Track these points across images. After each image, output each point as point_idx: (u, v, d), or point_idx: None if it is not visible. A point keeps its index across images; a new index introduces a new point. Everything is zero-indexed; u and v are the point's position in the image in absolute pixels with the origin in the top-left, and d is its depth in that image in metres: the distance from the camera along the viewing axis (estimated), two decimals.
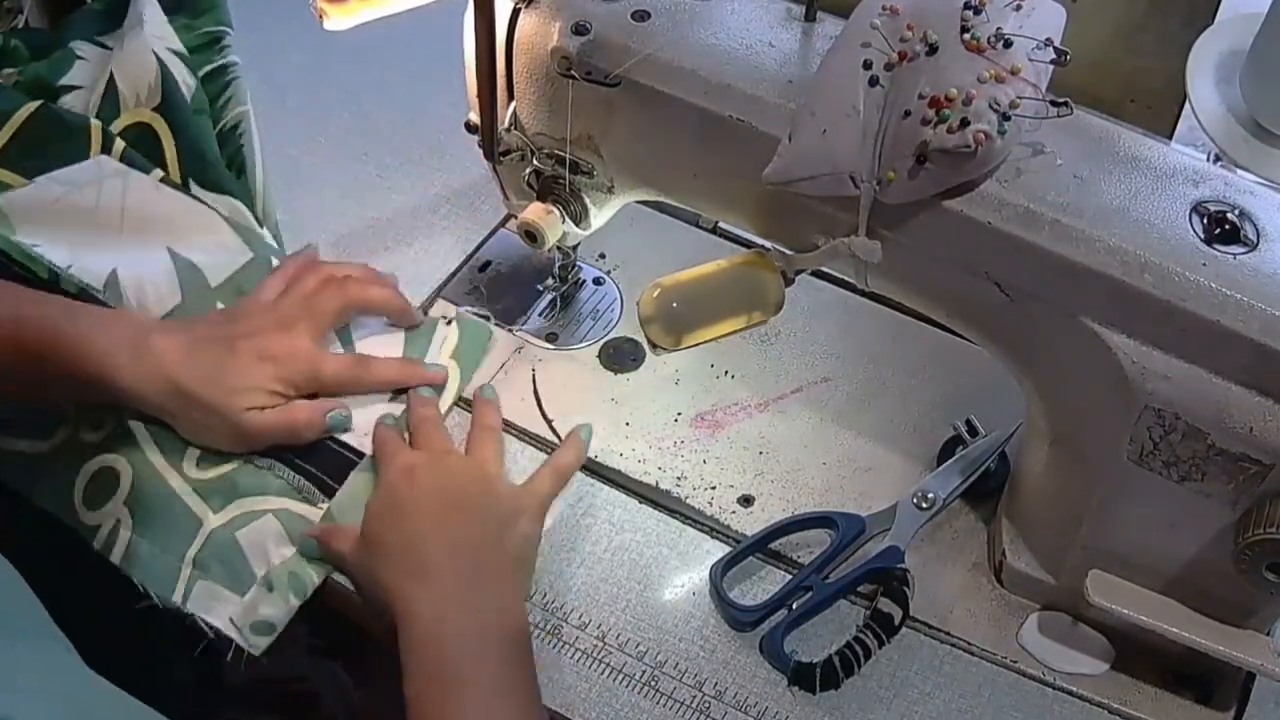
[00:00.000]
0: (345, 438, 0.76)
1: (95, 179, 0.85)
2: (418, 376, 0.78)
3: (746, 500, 0.75)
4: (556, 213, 0.74)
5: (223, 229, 0.84)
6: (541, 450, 0.78)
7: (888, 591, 0.69)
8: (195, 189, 0.86)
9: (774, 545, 0.72)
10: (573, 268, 0.84)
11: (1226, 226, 0.56)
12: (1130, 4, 0.76)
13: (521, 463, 0.77)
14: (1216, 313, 0.54)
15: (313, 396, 0.75)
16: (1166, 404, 0.56)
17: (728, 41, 0.64)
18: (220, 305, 0.81)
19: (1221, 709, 0.66)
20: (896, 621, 0.68)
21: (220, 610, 0.70)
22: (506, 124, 0.71)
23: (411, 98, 0.99)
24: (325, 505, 0.73)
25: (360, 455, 0.75)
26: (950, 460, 0.74)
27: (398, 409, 0.77)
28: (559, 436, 0.78)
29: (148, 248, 0.82)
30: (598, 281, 0.87)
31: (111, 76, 0.90)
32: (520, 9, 0.66)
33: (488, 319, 0.83)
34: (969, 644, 0.69)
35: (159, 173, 0.86)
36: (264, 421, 0.73)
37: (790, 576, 0.71)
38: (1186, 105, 0.74)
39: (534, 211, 0.74)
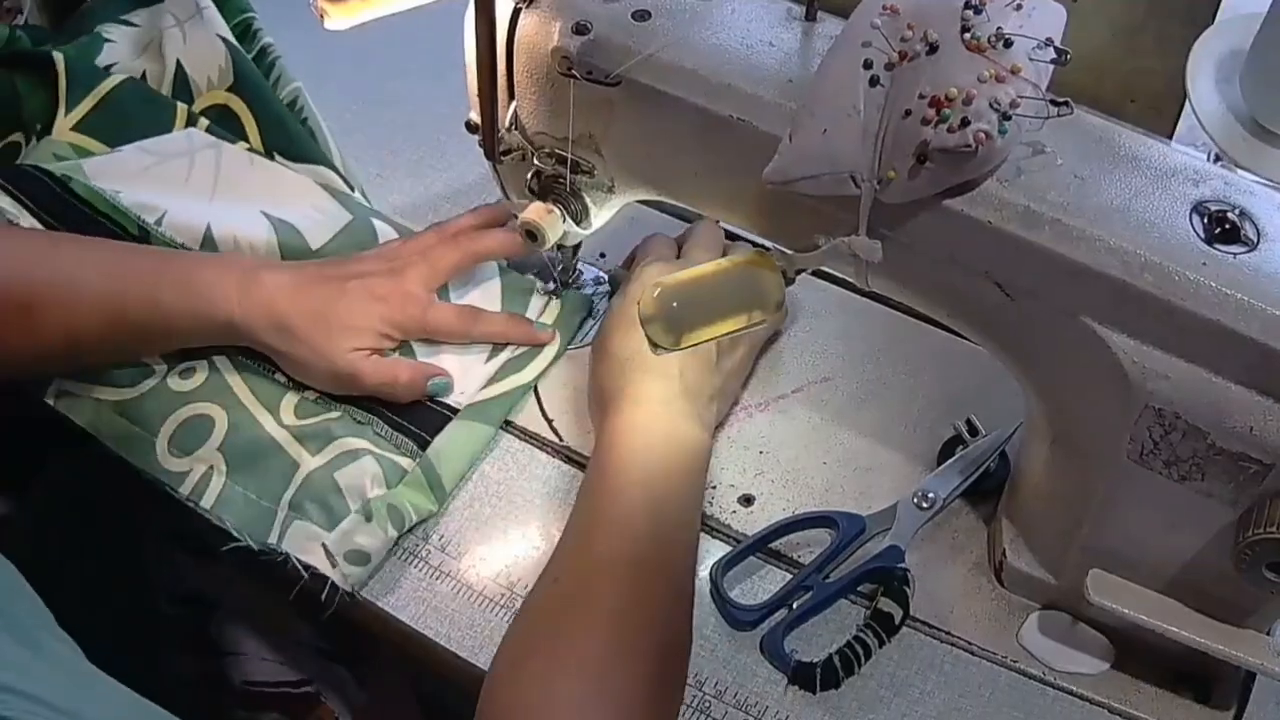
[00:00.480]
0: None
1: (186, 150, 0.86)
2: (525, 333, 0.80)
3: (746, 500, 0.75)
4: (557, 212, 0.74)
5: (318, 193, 0.85)
6: (541, 450, 0.78)
7: (888, 591, 0.69)
8: (281, 160, 0.88)
9: (774, 545, 0.72)
10: (572, 269, 0.84)
11: (1226, 226, 0.56)
12: (1130, 4, 0.76)
13: (521, 462, 0.77)
14: (1217, 312, 0.54)
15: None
16: (1166, 403, 0.56)
17: (728, 41, 0.64)
18: None
19: (1221, 708, 0.66)
20: (897, 621, 0.68)
21: (315, 549, 0.70)
22: (507, 124, 0.71)
23: (411, 98, 0.99)
24: (420, 457, 0.74)
25: (455, 411, 0.77)
26: (950, 460, 0.74)
27: (494, 368, 0.79)
28: (559, 436, 0.78)
29: (242, 211, 0.83)
30: (598, 281, 0.87)
31: (180, 65, 0.90)
32: (520, 9, 0.66)
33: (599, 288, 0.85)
34: (969, 643, 0.69)
35: (245, 144, 0.87)
36: (366, 368, 0.74)
37: (790, 576, 0.71)
38: (1186, 105, 0.74)
39: (534, 211, 0.74)
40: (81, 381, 0.78)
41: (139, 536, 0.90)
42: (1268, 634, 0.63)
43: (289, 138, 0.89)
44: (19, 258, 0.72)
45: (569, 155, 0.71)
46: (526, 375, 0.80)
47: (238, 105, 0.90)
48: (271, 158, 0.88)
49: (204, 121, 0.88)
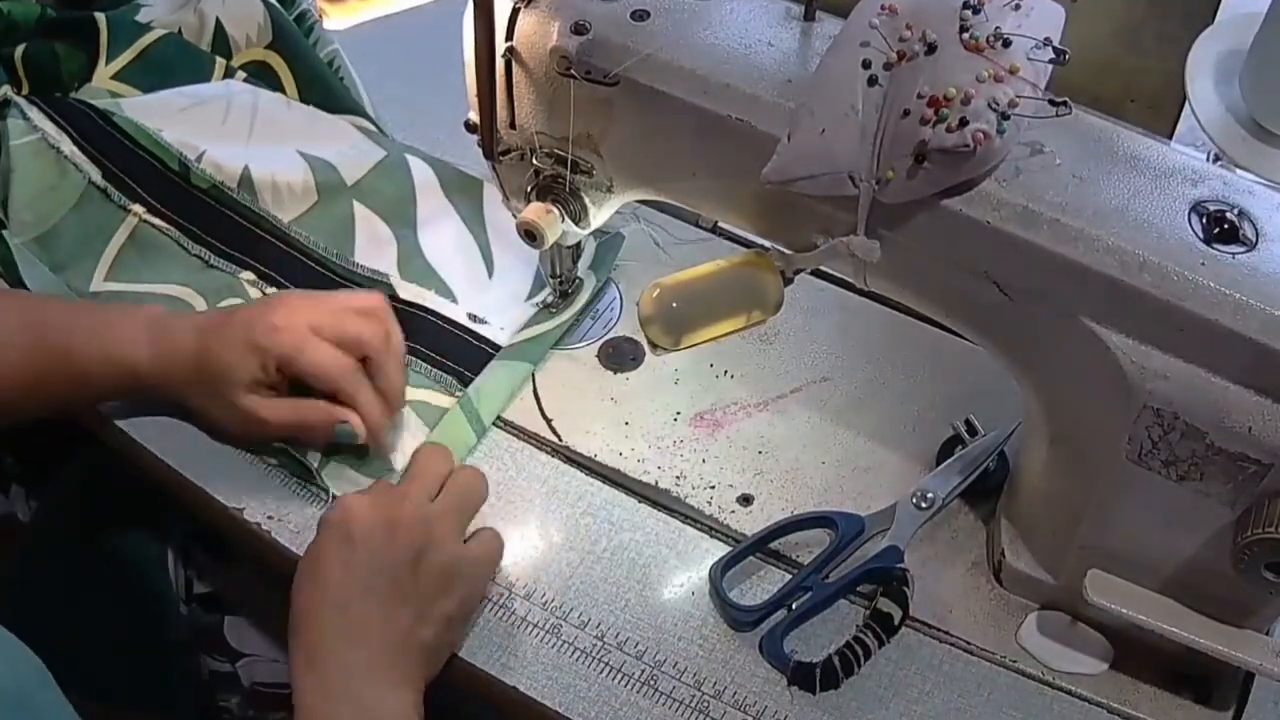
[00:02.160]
0: (484, 331, 0.81)
1: (224, 95, 0.88)
2: (378, 432, 0.74)
3: (746, 500, 0.75)
4: (556, 212, 0.74)
5: (354, 133, 0.87)
6: (541, 450, 0.78)
7: (887, 591, 0.69)
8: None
9: (774, 545, 0.72)
10: (572, 270, 0.84)
11: (1225, 226, 0.56)
12: (1130, 4, 0.76)
13: (521, 461, 0.77)
14: (1215, 312, 0.54)
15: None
16: (1165, 403, 0.56)
17: (727, 41, 0.64)
18: (357, 205, 0.84)
19: (1221, 709, 0.66)
20: (896, 621, 0.68)
21: (351, 489, 0.73)
22: (506, 122, 0.71)
23: (411, 98, 0.99)
24: (462, 394, 0.77)
25: (497, 348, 0.80)
26: (949, 460, 0.74)
27: (531, 308, 0.81)
28: (558, 436, 0.78)
29: (279, 151, 0.85)
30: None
31: (219, 22, 0.92)
32: (520, 9, 0.66)
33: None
34: (968, 643, 0.69)
35: (283, 95, 0.90)
36: (269, 411, 0.72)
37: (790, 576, 0.71)
38: (1186, 105, 0.74)
39: (533, 211, 0.74)
40: None
41: (157, 536, 0.90)
42: (1267, 634, 0.63)
43: (326, 92, 0.90)
44: None
45: (568, 155, 0.71)
46: (565, 315, 0.82)
47: (276, 62, 0.91)
48: None
49: (241, 75, 0.90)
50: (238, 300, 0.82)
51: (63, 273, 0.82)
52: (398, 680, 0.63)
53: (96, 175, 0.84)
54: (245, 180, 0.83)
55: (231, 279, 0.83)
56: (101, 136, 0.85)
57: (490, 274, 0.86)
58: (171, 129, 0.85)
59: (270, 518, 0.74)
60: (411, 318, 0.81)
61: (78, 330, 0.72)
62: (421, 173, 0.86)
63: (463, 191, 0.88)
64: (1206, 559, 0.60)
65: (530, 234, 0.74)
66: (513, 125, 0.71)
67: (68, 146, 0.84)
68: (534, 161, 0.73)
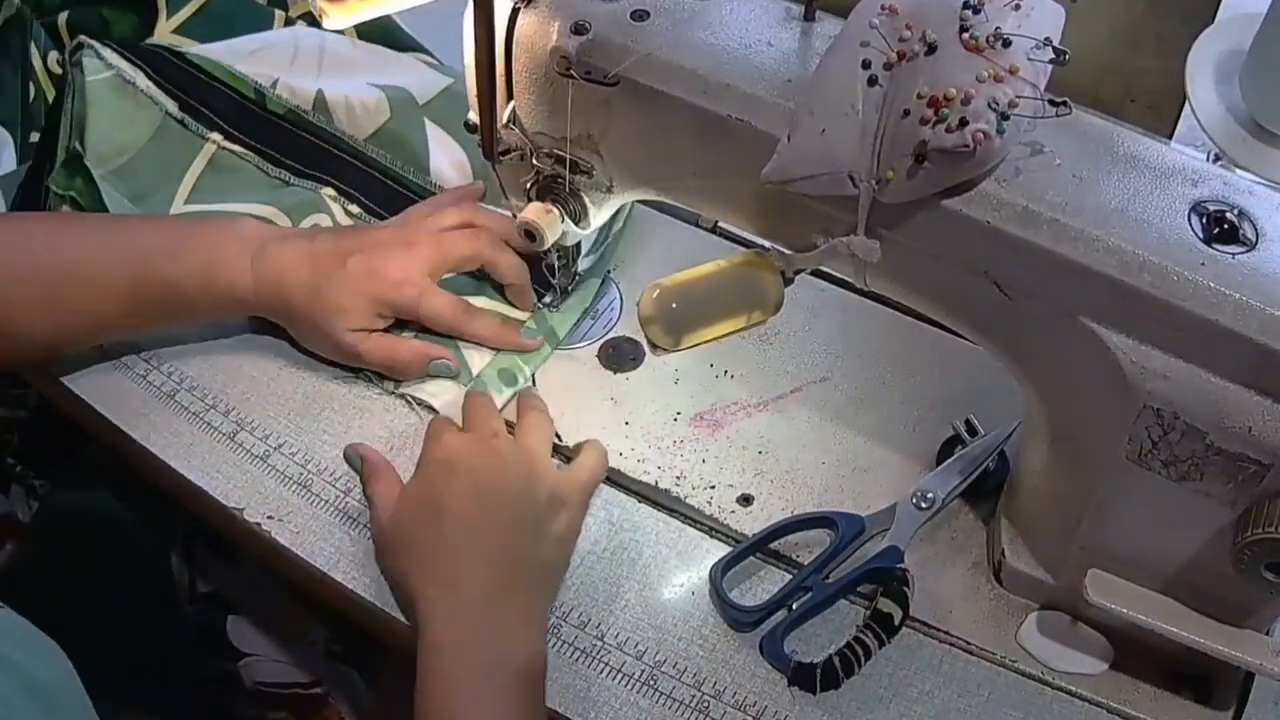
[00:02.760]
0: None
1: (290, 38, 0.91)
2: (512, 341, 0.80)
3: (746, 500, 0.75)
4: (556, 212, 0.74)
5: (421, 66, 0.90)
6: None
7: (887, 591, 0.69)
8: None
9: (774, 545, 0.72)
10: (572, 277, 0.84)
11: (1225, 226, 0.56)
12: (1130, 4, 0.76)
13: None
14: (1215, 312, 0.54)
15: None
16: (1165, 403, 0.56)
17: (726, 41, 0.64)
18: (428, 123, 0.86)
19: (1221, 709, 0.66)
20: (896, 621, 0.68)
21: (431, 392, 0.77)
22: (504, 120, 0.71)
23: None
24: (541, 308, 0.81)
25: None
26: (949, 460, 0.74)
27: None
28: (559, 436, 0.78)
29: (349, 82, 0.87)
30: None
31: None
32: (519, 8, 0.66)
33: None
34: (968, 643, 0.69)
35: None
36: (366, 348, 0.75)
37: (790, 576, 0.71)
38: (1186, 105, 0.74)
39: (533, 211, 0.74)
40: None
41: (160, 535, 0.90)
42: (1267, 634, 0.63)
43: (388, 36, 0.93)
44: (41, 241, 0.73)
45: (567, 155, 0.71)
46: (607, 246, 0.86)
47: None
48: None
49: (302, 23, 0.93)
50: (322, 216, 0.84)
51: (142, 202, 0.85)
52: (526, 607, 0.66)
53: (173, 107, 0.88)
54: (320, 103, 0.86)
55: (313, 195, 0.86)
56: (175, 71, 0.88)
57: None
58: (242, 67, 0.88)
59: (270, 518, 0.74)
60: None
61: (183, 257, 0.74)
62: None
63: None
64: (1206, 559, 0.60)
65: (530, 234, 0.74)
66: (513, 125, 0.71)
67: (143, 82, 0.87)
68: (534, 161, 0.73)
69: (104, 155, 0.85)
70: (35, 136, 0.90)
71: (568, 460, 0.77)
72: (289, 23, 0.92)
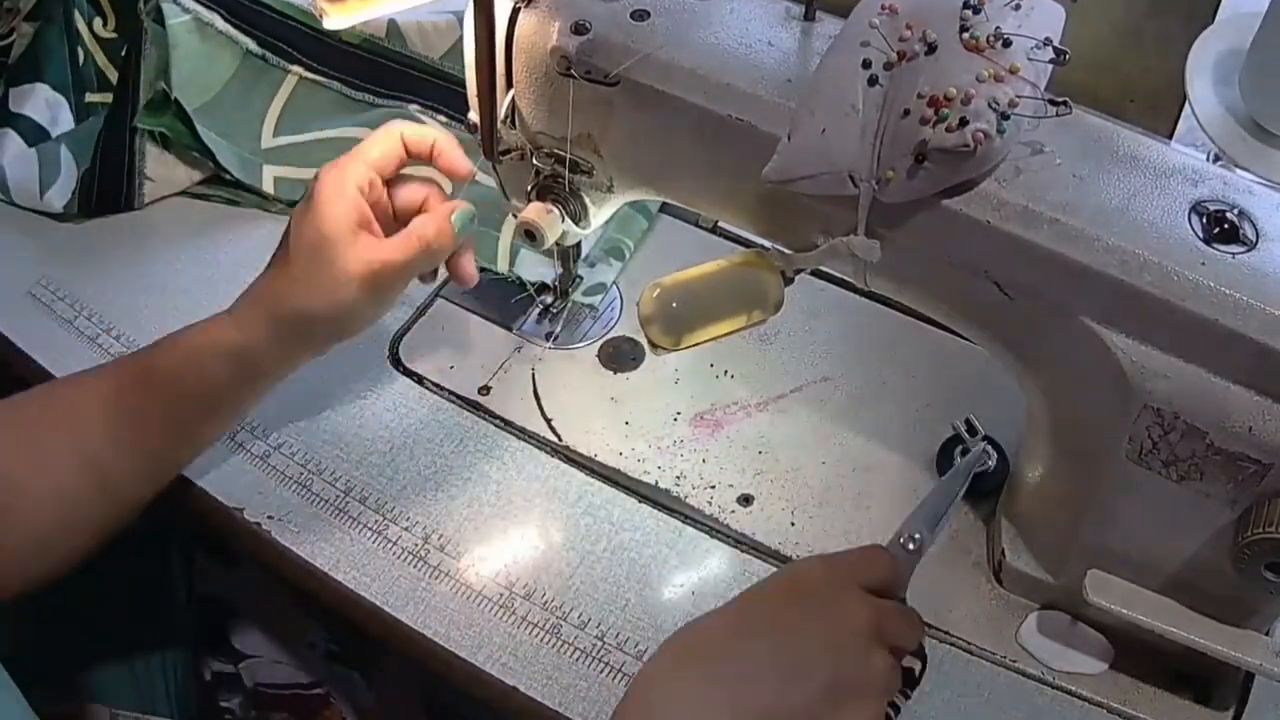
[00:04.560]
0: None
1: None
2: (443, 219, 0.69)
3: (746, 500, 0.75)
4: (556, 212, 0.74)
5: None
6: (541, 450, 0.78)
7: None
8: None
9: None
10: (572, 270, 0.84)
11: (1225, 226, 0.56)
12: (1130, 4, 0.76)
13: (521, 461, 0.77)
14: (1215, 312, 0.54)
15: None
16: (1165, 403, 0.56)
17: (727, 41, 0.64)
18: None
19: (1221, 709, 0.66)
20: (918, 673, 0.64)
21: (545, 272, 0.81)
22: (503, 117, 0.71)
23: None
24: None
25: None
26: (930, 495, 0.68)
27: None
28: (558, 436, 0.78)
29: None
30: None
31: None
32: (520, 8, 0.66)
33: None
34: (968, 643, 0.69)
35: None
36: (389, 247, 0.67)
37: None
38: (1186, 105, 0.74)
39: (533, 211, 0.74)
40: None
41: (160, 538, 0.90)
42: (1267, 634, 0.63)
43: None
44: (24, 398, 0.69)
45: (568, 155, 0.71)
46: None
47: None
48: None
49: None
50: None
51: (230, 136, 0.88)
52: None
53: (252, 44, 0.91)
54: (393, 31, 0.89)
55: (402, 111, 0.90)
56: (250, 12, 0.92)
57: None
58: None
59: (270, 518, 0.74)
60: None
61: (156, 360, 0.69)
62: None
63: None
64: (1206, 559, 0.60)
65: (530, 234, 0.74)
66: (513, 125, 0.71)
67: (220, 24, 0.91)
68: (534, 161, 0.73)
69: (190, 94, 0.87)
70: (90, 96, 0.93)
71: (567, 459, 0.77)
72: None
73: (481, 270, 0.76)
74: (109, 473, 0.68)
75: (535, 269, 0.84)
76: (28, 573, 0.67)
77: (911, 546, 0.64)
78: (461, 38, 0.85)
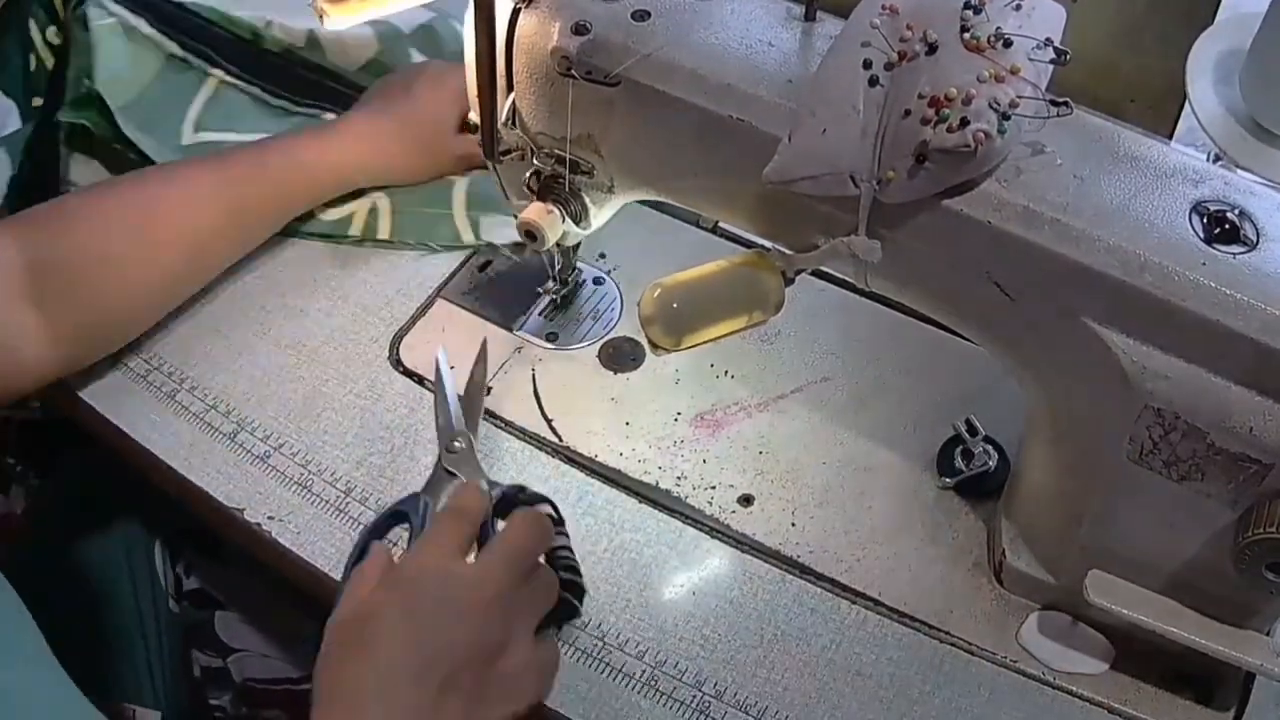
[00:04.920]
0: None
1: None
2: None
3: (746, 500, 0.75)
4: (556, 212, 0.74)
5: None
6: (542, 450, 0.78)
7: (525, 504, 0.63)
8: None
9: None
10: (572, 269, 0.84)
11: (1226, 226, 0.56)
12: (1130, 4, 0.76)
13: (521, 462, 0.77)
14: (1216, 312, 0.54)
15: None
16: (1166, 403, 0.56)
17: (727, 41, 0.64)
18: (414, 52, 0.93)
19: (1221, 709, 0.66)
20: (555, 512, 0.63)
21: (510, 233, 0.84)
22: (504, 118, 0.71)
23: None
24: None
25: None
26: (437, 399, 0.69)
27: None
28: (559, 436, 0.78)
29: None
30: (598, 281, 0.87)
31: None
32: (520, 8, 0.66)
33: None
34: (969, 643, 0.69)
35: None
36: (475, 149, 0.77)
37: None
38: (1186, 105, 0.74)
39: (534, 211, 0.74)
40: None
41: (145, 533, 0.90)
42: (1267, 634, 0.63)
43: None
44: (136, 180, 0.79)
45: (568, 155, 0.71)
46: None
47: None
48: None
49: None
50: None
51: (153, 134, 0.89)
52: None
53: (175, 48, 0.93)
54: (312, 41, 0.91)
55: (317, 119, 0.93)
56: (174, 17, 0.93)
57: None
58: (238, 11, 0.94)
59: (270, 518, 0.74)
60: None
61: (269, 152, 0.82)
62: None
63: None
64: (1207, 559, 0.60)
65: (531, 234, 0.74)
66: (513, 125, 0.71)
67: (145, 28, 0.93)
68: (534, 161, 0.73)
69: (114, 94, 0.88)
70: (36, 101, 0.94)
71: (568, 460, 0.77)
72: None
73: (447, 248, 0.86)
74: (206, 251, 0.81)
75: (501, 231, 0.86)
76: (114, 335, 0.79)
77: (460, 445, 0.68)
78: (380, 52, 0.91)
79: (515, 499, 0.64)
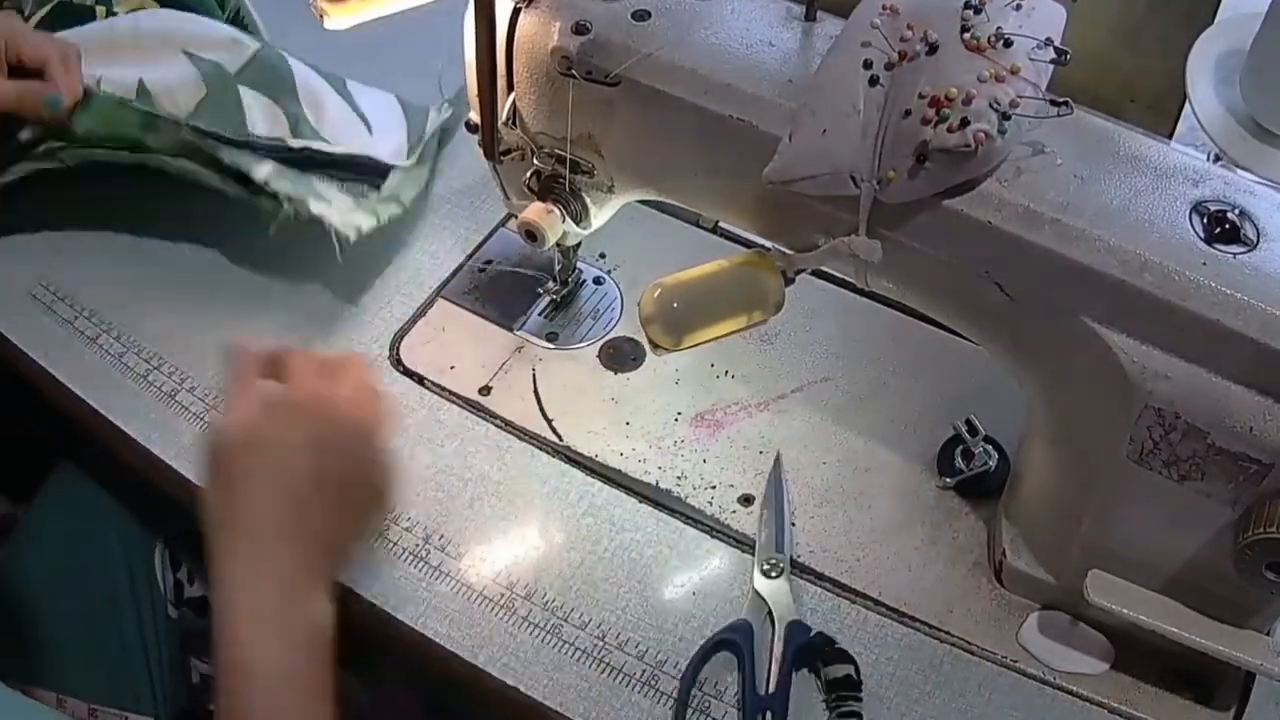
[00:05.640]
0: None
1: (107, 27, 0.94)
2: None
3: (746, 500, 0.75)
4: (557, 212, 0.74)
5: (227, 31, 0.94)
6: (542, 450, 0.78)
7: (825, 659, 0.66)
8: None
9: (701, 691, 0.67)
10: (572, 269, 0.84)
11: (1226, 226, 0.56)
12: (1130, 4, 0.76)
13: (521, 462, 0.77)
14: (1216, 312, 0.54)
15: None
16: (1167, 403, 0.56)
17: (728, 41, 0.64)
18: (243, 90, 0.90)
19: (1221, 709, 0.66)
20: (855, 674, 0.66)
21: (361, 219, 0.82)
22: (504, 118, 0.71)
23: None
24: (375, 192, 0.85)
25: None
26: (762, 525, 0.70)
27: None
28: (559, 436, 0.78)
29: (167, 57, 0.90)
30: (598, 281, 0.87)
31: None
32: (520, 9, 0.66)
33: None
34: (969, 644, 0.69)
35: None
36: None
37: (737, 711, 0.66)
38: (1186, 105, 0.74)
39: (534, 211, 0.74)
40: None
41: (144, 540, 0.90)
42: (1267, 634, 0.63)
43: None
44: None
45: (568, 155, 0.71)
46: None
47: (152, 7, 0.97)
48: None
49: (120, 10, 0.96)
50: None
51: None
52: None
53: None
54: (143, 92, 0.88)
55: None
56: None
57: (370, 132, 0.92)
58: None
59: None
60: (309, 158, 0.86)
61: None
62: (294, 60, 0.92)
63: (329, 78, 0.94)
64: (1207, 559, 0.60)
65: (531, 234, 0.74)
66: (513, 125, 0.71)
67: None
68: (535, 161, 0.73)
69: None
70: None
71: (568, 460, 0.77)
72: (110, 14, 0.96)
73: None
74: None
75: (346, 215, 0.83)
76: None
77: (777, 568, 0.69)
78: (208, 94, 0.88)
79: (821, 649, 0.67)
